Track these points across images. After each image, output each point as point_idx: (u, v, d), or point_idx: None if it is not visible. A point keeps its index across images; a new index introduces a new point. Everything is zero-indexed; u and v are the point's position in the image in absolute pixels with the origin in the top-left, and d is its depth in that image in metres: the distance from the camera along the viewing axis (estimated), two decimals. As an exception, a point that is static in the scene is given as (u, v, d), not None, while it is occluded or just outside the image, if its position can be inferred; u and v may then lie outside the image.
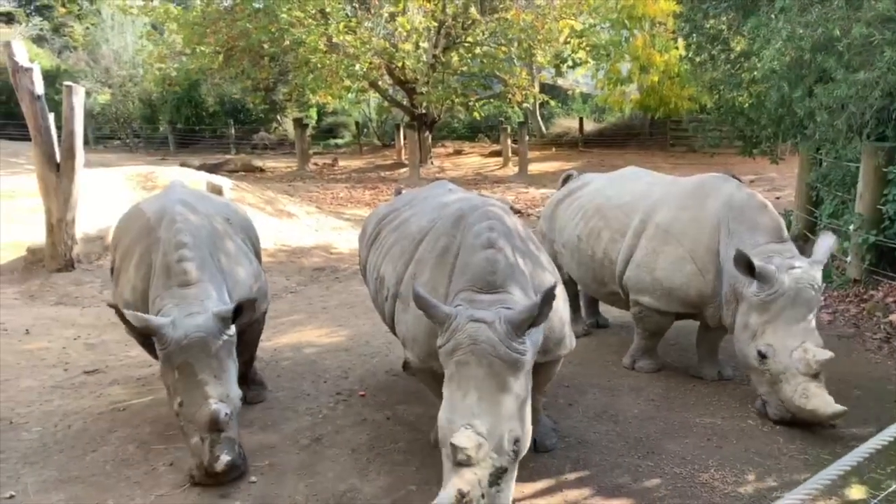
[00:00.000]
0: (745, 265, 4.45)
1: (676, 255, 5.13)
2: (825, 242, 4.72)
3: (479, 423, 3.08)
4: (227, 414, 3.85)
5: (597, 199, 5.90)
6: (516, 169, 22.11)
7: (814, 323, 4.50)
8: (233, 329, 4.12)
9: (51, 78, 25.27)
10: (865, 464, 3.93)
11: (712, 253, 4.97)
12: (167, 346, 3.93)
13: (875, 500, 3.50)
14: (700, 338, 5.47)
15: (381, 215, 5.07)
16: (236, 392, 4.03)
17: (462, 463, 3.01)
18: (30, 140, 9.13)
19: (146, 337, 4.62)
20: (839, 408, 4.22)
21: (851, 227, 7.31)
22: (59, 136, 9.02)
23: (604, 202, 5.80)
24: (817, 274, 4.50)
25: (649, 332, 5.54)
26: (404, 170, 22.53)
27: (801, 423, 4.45)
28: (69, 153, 8.93)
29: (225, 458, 3.86)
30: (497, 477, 3.09)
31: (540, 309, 3.26)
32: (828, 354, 4.31)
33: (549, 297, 3.25)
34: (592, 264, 5.78)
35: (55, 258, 9.07)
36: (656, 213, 5.36)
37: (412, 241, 4.29)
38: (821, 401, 4.25)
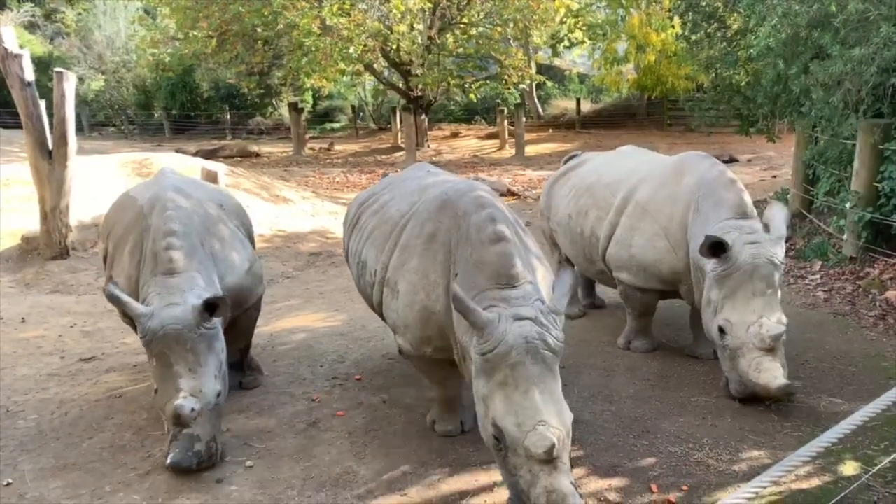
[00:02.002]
0: (707, 246, 4.42)
1: (651, 231, 5.17)
2: (778, 215, 4.67)
3: (551, 417, 3.09)
4: (192, 410, 3.81)
5: (590, 177, 5.94)
6: (513, 151, 22.02)
7: (776, 298, 4.46)
8: (214, 322, 4.06)
9: (43, 65, 25.14)
10: (860, 440, 3.97)
11: (685, 229, 4.98)
12: (146, 335, 3.94)
13: (867, 476, 3.52)
14: (693, 317, 5.47)
15: (362, 200, 5.05)
16: (211, 388, 3.95)
17: (551, 460, 3.02)
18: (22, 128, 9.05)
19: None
20: (783, 382, 4.21)
21: (848, 205, 7.29)
22: (51, 124, 8.95)
23: (595, 180, 5.84)
24: (776, 249, 4.47)
25: (638, 312, 5.56)
26: (401, 153, 22.44)
27: (759, 399, 4.44)
28: (61, 140, 8.85)
29: (169, 459, 3.85)
30: (570, 458, 3.18)
31: (573, 289, 3.52)
32: (779, 329, 4.28)
33: (573, 290, 3.54)
34: (582, 242, 5.81)
35: (50, 246, 9.03)
36: (638, 190, 5.39)
37: (394, 226, 4.26)
38: (769, 375, 4.22)
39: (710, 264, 4.56)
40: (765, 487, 1.75)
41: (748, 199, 4.86)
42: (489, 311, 3.30)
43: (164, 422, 3.97)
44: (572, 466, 3.89)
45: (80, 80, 28.81)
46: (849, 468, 3.76)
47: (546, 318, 3.29)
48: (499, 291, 3.43)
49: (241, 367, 5.22)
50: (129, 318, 4.69)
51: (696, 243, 4.73)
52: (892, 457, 3.55)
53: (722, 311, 4.47)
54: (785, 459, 1.97)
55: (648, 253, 5.18)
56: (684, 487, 3.69)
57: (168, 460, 3.86)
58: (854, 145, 7.31)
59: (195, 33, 20.05)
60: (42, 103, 8.86)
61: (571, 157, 6.67)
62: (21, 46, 9.06)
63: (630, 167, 5.72)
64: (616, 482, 3.78)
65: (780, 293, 4.52)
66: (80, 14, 32.90)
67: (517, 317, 3.26)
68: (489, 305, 3.36)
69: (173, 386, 3.86)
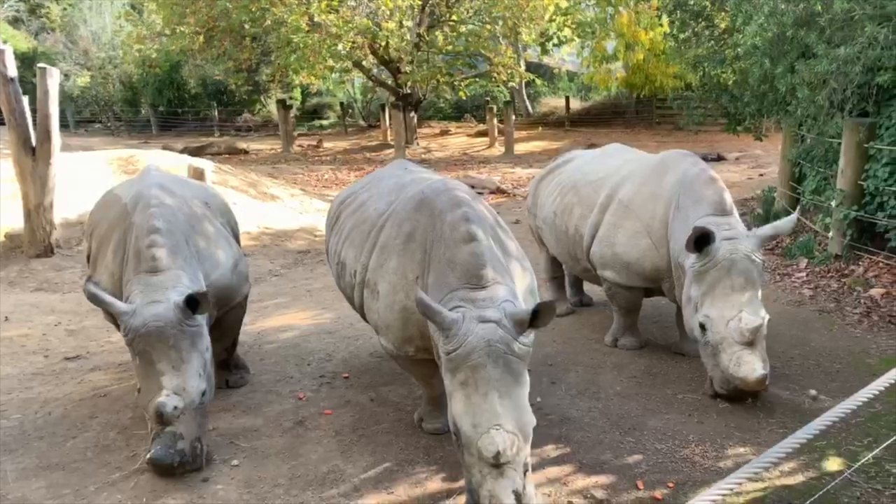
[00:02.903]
0: (693, 239, 4.43)
1: (634, 229, 5.21)
2: (783, 222, 4.71)
3: (507, 422, 3.06)
4: (175, 408, 3.76)
5: (574, 175, 5.98)
6: (503, 149, 22.04)
7: (756, 293, 4.45)
8: (198, 319, 4.02)
9: (28, 60, 24.89)
10: (844, 436, 4.01)
11: (667, 227, 5.00)
12: (128, 333, 3.89)
13: (850, 471, 3.55)
14: (679, 314, 5.49)
15: (342, 198, 5.04)
16: (195, 386, 3.90)
17: (501, 464, 2.99)
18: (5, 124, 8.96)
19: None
20: (762, 373, 4.22)
21: (833, 203, 7.34)
22: (35, 120, 8.86)
23: (579, 178, 5.88)
24: (754, 245, 4.48)
25: (623, 309, 5.59)
26: (390, 151, 22.40)
27: (743, 397, 4.46)
28: (45, 137, 8.77)
29: (148, 455, 3.80)
30: (525, 467, 3.13)
31: (541, 317, 3.24)
32: (757, 322, 4.27)
33: (551, 307, 3.25)
34: (567, 240, 5.85)
35: (34, 244, 8.95)
36: (621, 188, 5.43)
37: (372, 226, 4.25)
38: (748, 367, 4.23)
39: (688, 261, 4.58)
40: (740, 484, 1.76)
41: (728, 196, 4.87)
42: (455, 311, 3.28)
43: (148, 421, 3.92)
44: (559, 463, 3.92)
45: (66, 76, 28.57)
46: (832, 464, 3.78)
47: (510, 321, 3.24)
48: (467, 292, 3.41)
49: (228, 366, 5.19)
50: (113, 317, 4.67)
51: (676, 240, 4.77)
52: (874, 452, 3.58)
53: (702, 308, 4.47)
54: (761, 455, 1.98)
55: (632, 251, 5.21)
56: (670, 484, 3.70)
57: (148, 455, 3.81)
58: (840, 144, 7.36)
59: (182, 29, 19.93)
60: (25, 99, 8.78)
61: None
62: (4, 41, 9.01)
63: (614, 165, 5.75)
64: (602, 479, 3.78)
65: (760, 291, 4.52)
66: (65, 9, 32.64)
67: (481, 318, 3.23)
68: (456, 306, 3.34)
69: (156, 384, 3.81)
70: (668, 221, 4.99)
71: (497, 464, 2.99)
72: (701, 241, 4.40)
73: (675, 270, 4.92)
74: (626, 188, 5.38)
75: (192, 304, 3.92)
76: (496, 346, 3.16)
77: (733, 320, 4.30)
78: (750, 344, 4.27)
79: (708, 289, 4.44)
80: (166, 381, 3.81)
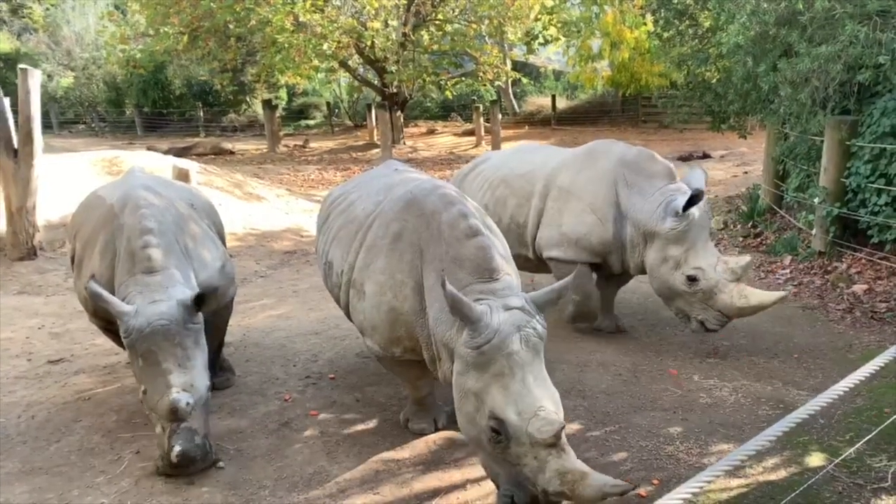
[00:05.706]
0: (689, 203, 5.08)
1: (578, 208, 5.68)
2: (697, 175, 5.46)
3: (549, 403, 3.10)
4: (188, 404, 3.75)
5: (501, 170, 6.40)
6: (489, 148, 22.03)
7: None
8: (200, 317, 4.04)
9: (10, 61, 24.65)
10: (826, 431, 4.05)
11: (610, 205, 5.56)
12: (130, 334, 3.85)
13: (831, 465, 3.58)
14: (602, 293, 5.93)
15: (333, 198, 5.02)
16: (202, 382, 3.92)
17: (558, 443, 2.97)
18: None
19: (109, 324, 4.56)
20: (780, 293, 5.07)
21: (816, 200, 7.41)
22: (17, 121, 8.76)
23: (508, 173, 6.32)
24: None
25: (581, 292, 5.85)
26: (376, 150, 22.35)
27: (744, 316, 5.22)
28: (27, 138, 8.68)
29: (176, 449, 3.75)
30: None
31: (560, 294, 3.44)
32: (746, 259, 5.13)
33: (566, 287, 3.46)
34: (500, 229, 5.97)
35: (16, 246, 8.85)
36: (557, 177, 5.91)
37: (359, 226, 4.24)
38: (760, 296, 5.07)
39: (667, 224, 5.16)
40: (710, 482, 1.77)
41: (673, 166, 5.60)
42: (478, 304, 3.30)
43: (157, 422, 3.84)
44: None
45: (49, 76, 28.33)
46: (815, 459, 3.82)
47: (532, 307, 3.32)
48: (483, 285, 3.44)
49: (213, 368, 5.15)
50: (99, 319, 4.64)
51: (641, 210, 5.35)
52: (856, 447, 3.62)
53: (687, 262, 5.13)
54: (739, 447, 1.99)
55: (579, 227, 5.64)
56: (655, 481, 3.73)
57: (175, 452, 3.74)
58: (822, 142, 7.42)
59: (166, 29, 19.77)
60: (7, 101, 8.68)
61: None
62: (-16, 42, 8.87)
63: (539, 160, 6.27)
64: (588, 477, 3.79)
65: None
66: (48, 9, 32.31)
67: (507, 307, 3.27)
68: (477, 299, 3.35)
69: (164, 383, 3.78)
70: (614, 199, 5.53)
71: (555, 443, 2.97)
72: (693, 202, 5.04)
73: (634, 238, 5.45)
74: (563, 176, 5.87)
75: (199, 300, 3.95)
76: (526, 331, 3.21)
77: (718, 265, 5.07)
78: (739, 279, 5.07)
79: (691, 245, 5.14)
80: (174, 379, 3.80)
